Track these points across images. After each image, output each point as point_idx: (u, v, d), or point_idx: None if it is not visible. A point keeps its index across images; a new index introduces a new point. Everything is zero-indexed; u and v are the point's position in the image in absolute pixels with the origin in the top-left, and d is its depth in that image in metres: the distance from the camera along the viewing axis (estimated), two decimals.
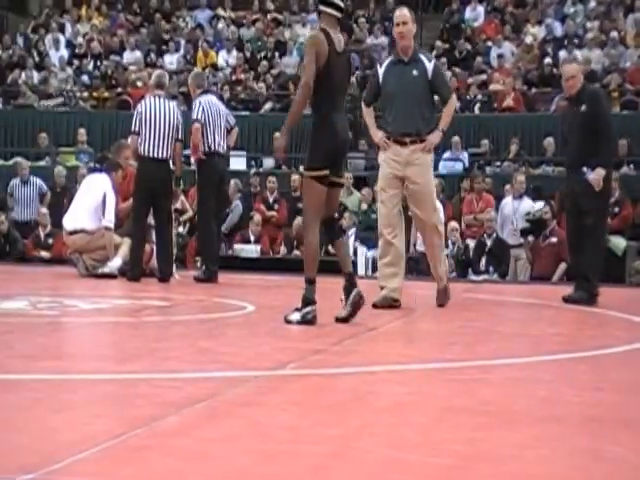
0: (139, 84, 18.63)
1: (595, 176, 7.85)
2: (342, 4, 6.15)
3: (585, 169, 7.93)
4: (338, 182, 6.09)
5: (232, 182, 13.41)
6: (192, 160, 10.46)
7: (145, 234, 9.99)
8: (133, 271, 9.63)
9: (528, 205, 13.24)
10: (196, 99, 10.09)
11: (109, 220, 10.19)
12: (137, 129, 9.82)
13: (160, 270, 9.83)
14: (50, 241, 13.70)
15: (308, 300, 5.84)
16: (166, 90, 10.51)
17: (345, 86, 6.25)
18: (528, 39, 18.85)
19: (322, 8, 6.10)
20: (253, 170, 15.42)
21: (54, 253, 13.35)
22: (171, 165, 10.01)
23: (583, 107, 8.00)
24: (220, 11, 21.71)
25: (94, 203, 10.24)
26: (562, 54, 18.13)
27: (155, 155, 9.74)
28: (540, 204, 13.08)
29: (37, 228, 14.02)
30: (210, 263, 9.91)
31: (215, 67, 19.38)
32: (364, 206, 14.15)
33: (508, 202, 13.35)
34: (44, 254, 13.62)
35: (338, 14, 6.11)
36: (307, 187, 6.05)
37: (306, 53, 6.09)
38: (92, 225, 10.22)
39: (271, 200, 14.55)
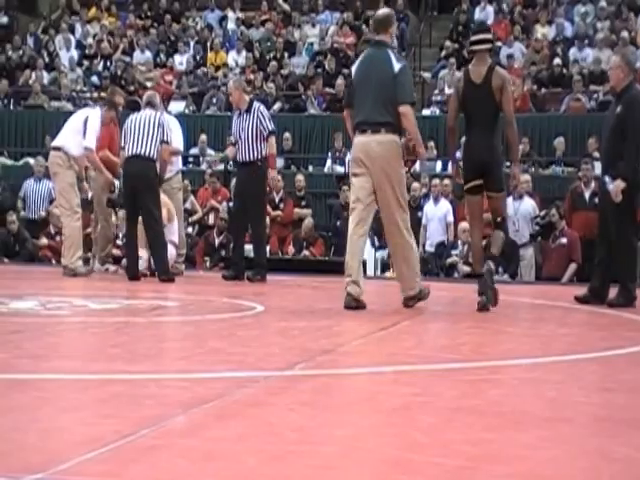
0: (149, 84, 18.65)
1: (614, 188, 7.67)
2: (478, 36, 7.23)
3: (607, 179, 7.80)
4: (489, 189, 7.25)
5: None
6: (272, 171, 10.35)
7: (135, 235, 9.91)
8: (128, 271, 9.81)
9: (529, 205, 13.15)
10: (258, 107, 10.11)
11: (90, 141, 10.18)
12: (123, 144, 9.94)
13: (157, 272, 9.76)
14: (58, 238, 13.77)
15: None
16: (156, 109, 10.28)
17: (480, 110, 7.28)
18: (538, 34, 18.82)
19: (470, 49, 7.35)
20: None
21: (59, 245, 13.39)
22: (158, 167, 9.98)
23: (619, 109, 7.78)
24: (229, 12, 21.73)
25: (77, 123, 10.30)
26: (572, 54, 18.11)
27: (134, 152, 9.74)
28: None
29: (48, 227, 14.05)
30: (264, 264, 10.10)
31: (226, 67, 19.40)
32: None
33: (509, 203, 13.23)
34: (43, 242, 13.68)
35: (477, 47, 7.21)
36: None
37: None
38: (72, 146, 10.18)
39: (277, 200, 14.54)
